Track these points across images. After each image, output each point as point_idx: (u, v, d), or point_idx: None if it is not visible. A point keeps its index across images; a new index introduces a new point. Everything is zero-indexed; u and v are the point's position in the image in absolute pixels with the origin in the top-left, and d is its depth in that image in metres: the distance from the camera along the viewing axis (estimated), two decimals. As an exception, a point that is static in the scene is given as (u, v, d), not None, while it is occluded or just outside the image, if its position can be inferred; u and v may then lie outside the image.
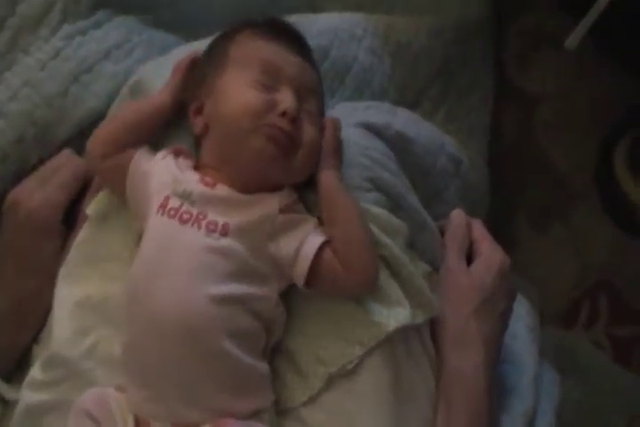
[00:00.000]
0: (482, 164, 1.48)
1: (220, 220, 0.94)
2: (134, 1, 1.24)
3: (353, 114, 1.12)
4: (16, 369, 1.09)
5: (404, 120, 1.16)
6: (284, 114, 0.94)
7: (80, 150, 1.12)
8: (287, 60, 1.00)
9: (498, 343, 1.08)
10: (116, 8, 1.23)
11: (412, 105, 1.38)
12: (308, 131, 0.98)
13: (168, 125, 1.05)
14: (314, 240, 0.95)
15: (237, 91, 0.97)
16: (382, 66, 1.30)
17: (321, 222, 0.99)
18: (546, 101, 1.61)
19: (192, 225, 0.93)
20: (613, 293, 1.53)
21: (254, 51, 1.00)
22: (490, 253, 1.11)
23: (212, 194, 0.95)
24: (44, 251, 1.08)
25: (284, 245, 0.95)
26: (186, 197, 0.95)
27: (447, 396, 1.02)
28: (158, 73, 1.10)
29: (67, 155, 1.13)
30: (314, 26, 1.21)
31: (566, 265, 1.56)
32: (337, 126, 1.02)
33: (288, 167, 0.97)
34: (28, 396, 1.00)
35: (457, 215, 1.15)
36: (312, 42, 1.15)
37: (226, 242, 0.93)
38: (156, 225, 0.95)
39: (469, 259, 1.11)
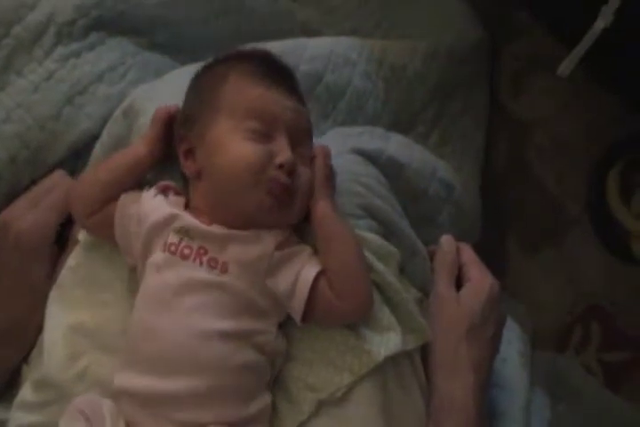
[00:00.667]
0: (475, 187, 1.48)
1: (220, 257, 0.94)
2: (128, 23, 1.23)
3: (346, 140, 1.13)
4: (5, 389, 1.09)
5: (396, 145, 1.16)
6: (281, 166, 0.94)
7: (73, 171, 1.13)
8: (282, 105, 0.99)
9: (488, 368, 1.08)
10: (110, 30, 1.22)
11: (407, 128, 1.38)
12: (302, 174, 0.98)
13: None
14: (308, 273, 0.95)
15: (234, 144, 0.96)
16: (376, 90, 1.31)
17: (315, 251, 0.99)
18: (539, 126, 1.62)
19: (194, 261, 0.94)
20: (605, 318, 1.53)
21: (247, 97, 0.98)
22: (479, 278, 1.11)
23: (208, 230, 0.95)
24: (35, 272, 1.08)
25: (282, 281, 0.95)
26: (184, 232, 0.95)
27: (436, 421, 1.02)
28: (152, 96, 1.10)
29: (59, 175, 1.13)
30: (307, 51, 1.21)
31: (558, 290, 1.56)
32: (327, 154, 1.02)
33: (285, 215, 0.97)
34: (18, 417, 1.00)
35: (446, 241, 1.15)
36: (305, 67, 1.16)
37: (226, 278, 0.94)
38: (157, 262, 0.95)
39: (458, 283, 1.12)
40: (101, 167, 1.04)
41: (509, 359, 1.22)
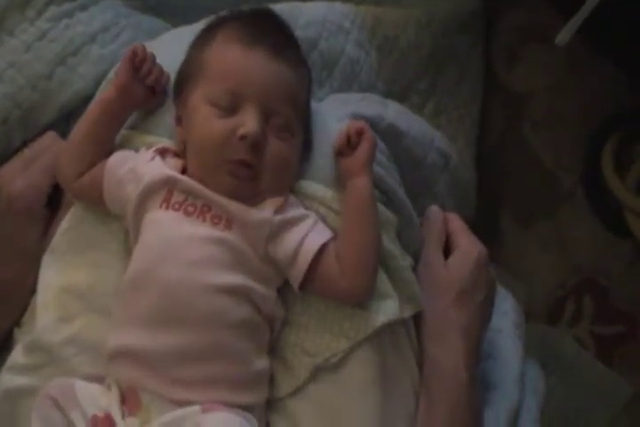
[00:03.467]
0: (470, 158, 1.48)
1: (224, 215, 0.94)
2: (121, -15, 1.22)
3: (345, 105, 1.12)
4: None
5: (395, 112, 1.16)
6: (242, 137, 0.92)
7: (65, 133, 1.10)
8: (258, 70, 0.96)
9: (478, 334, 1.08)
10: (103, -9, 1.20)
11: (401, 98, 1.37)
12: (274, 148, 0.95)
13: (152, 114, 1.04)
14: (313, 242, 0.94)
15: (200, 119, 0.95)
16: (369, 59, 1.30)
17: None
18: (534, 98, 1.61)
19: (197, 217, 0.94)
20: (598, 291, 1.53)
21: (224, 62, 0.97)
22: (467, 245, 1.11)
23: (210, 194, 0.94)
24: (27, 236, 1.06)
25: (282, 247, 0.94)
26: (188, 191, 0.95)
27: (428, 387, 1.02)
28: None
29: (51, 137, 1.11)
30: (301, 17, 1.19)
31: (552, 263, 1.56)
32: (366, 128, 0.99)
33: (256, 188, 0.95)
34: (8, 379, 0.99)
35: (433, 211, 1.16)
36: (300, 33, 1.14)
37: (229, 235, 0.93)
38: (160, 218, 0.95)
39: (448, 252, 1.12)
40: (78, 122, 1.03)
41: (505, 330, 1.22)
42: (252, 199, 0.95)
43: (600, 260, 1.53)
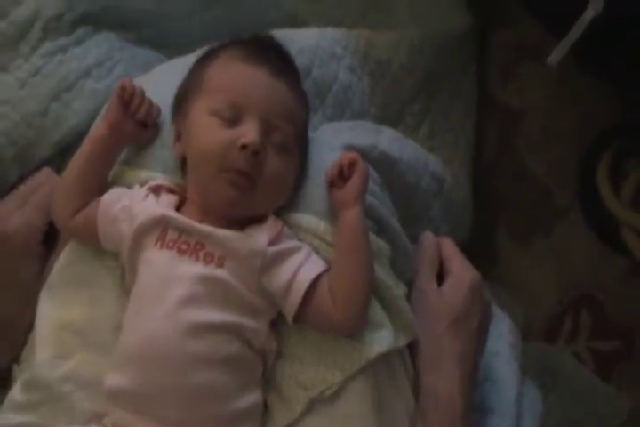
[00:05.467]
0: (466, 180, 1.48)
1: (217, 252, 0.94)
2: (115, 18, 1.22)
3: (338, 135, 1.12)
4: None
5: (388, 139, 1.16)
6: (243, 147, 0.93)
7: (60, 169, 1.11)
8: (260, 85, 0.98)
9: (473, 361, 1.08)
10: (97, 25, 1.21)
11: (395, 121, 1.37)
12: (272, 163, 0.96)
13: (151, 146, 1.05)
14: (306, 274, 0.95)
15: (201, 129, 0.96)
16: (361, 85, 1.30)
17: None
18: (528, 115, 1.61)
19: (190, 255, 0.94)
20: (595, 307, 1.53)
21: (227, 76, 0.99)
22: (460, 271, 1.12)
23: (200, 229, 0.95)
24: (24, 273, 1.07)
25: (276, 278, 0.95)
26: (182, 229, 0.95)
27: (424, 415, 1.02)
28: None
29: (46, 174, 1.12)
30: (294, 44, 1.19)
31: (549, 279, 1.56)
32: (358, 159, 1.00)
33: (250, 202, 0.96)
34: (7, 417, 0.99)
35: (426, 237, 1.16)
36: (293, 60, 1.14)
37: (220, 272, 0.93)
38: (154, 258, 0.95)
39: (441, 278, 1.12)
40: (71, 161, 1.04)
41: (501, 353, 1.22)
42: (246, 216, 0.97)
43: (597, 275, 1.53)
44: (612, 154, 1.53)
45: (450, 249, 1.15)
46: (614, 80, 1.44)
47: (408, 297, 1.07)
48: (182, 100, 1.02)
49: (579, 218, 1.55)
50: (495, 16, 1.63)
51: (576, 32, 1.23)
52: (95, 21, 1.20)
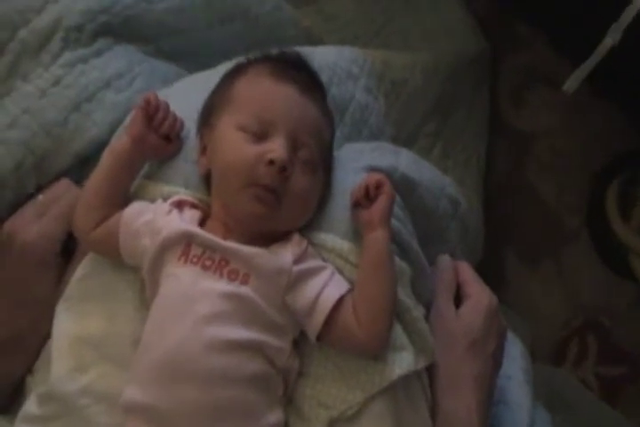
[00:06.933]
0: (477, 202, 1.48)
1: (242, 269, 0.93)
2: (135, 30, 1.21)
3: (360, 157, 1.12)
4: (9, 400, 1.07)
5: (406, 161, 1.16)
6: (271, 162, 0.93)
7: (79, 180, 1.11)
8: (288, 101, 0.98)
9: (491, 383, 1.08)
10: (117, 37, 1.20)
11: (409, 142, 1.38)
12: (299, 180, 0.97)
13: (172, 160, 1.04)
14: (330, 295, 0.95)
15: (228, 144, 0.96)
16: (377, 105, 1.30)
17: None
18: (539, 139, 1.62)
19: (214, 272, 0.93)
20: (602, 332, 1.54)
21: (255, 92, 0.99)
22: (477, 295, 1.12)
23: (227, 245, 0.94)
24: (41, 284, 1.06)
25: (300, 297, 0.94)
26: (206, 245, 0.94)
27: None
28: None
29: (65, 185, 1.11)
30: (314, 62, 1.18)
31: (557, 303, 1.57)
32: (385, 182, 1.00)
33: (275, 218, 0.96)
34: None
35: (444, 260, 1.16)
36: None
37: (245, 290, 0.93)
38: (178, 273, 0.94)
39: (458, 301, 1.12)
40: (93, 173, 1.03)
41: (514, 377, 1.22)
42: (269, 233, 0.97)
43: (604, 300, 1.54)
44: (622, 180, 1.54)
45: (467, 273, 1.15)
46: (628, 107, 1.45)
47: (426, 319, 1.06)
48: (209, 114, 1.02)
49: (588, 242, 1.56)
50: (508, 40, 1.64)
51: (593, 60, 1.24)
52: (115, 33, 1.19)
